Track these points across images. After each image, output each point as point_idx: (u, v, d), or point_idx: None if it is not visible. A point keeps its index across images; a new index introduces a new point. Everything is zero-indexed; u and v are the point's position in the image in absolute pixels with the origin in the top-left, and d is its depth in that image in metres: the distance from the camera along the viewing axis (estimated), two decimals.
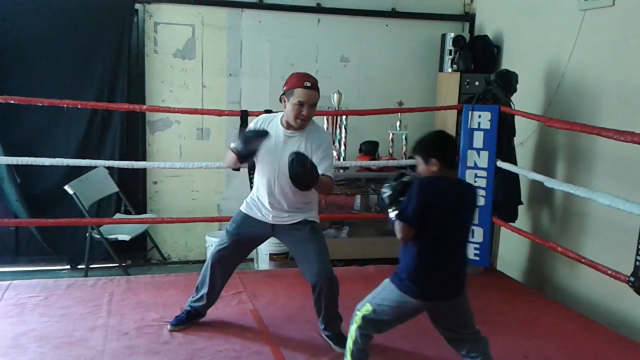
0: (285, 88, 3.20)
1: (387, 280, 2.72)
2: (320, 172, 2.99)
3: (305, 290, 3.82)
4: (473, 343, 2.80)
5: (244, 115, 4.48)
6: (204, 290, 3.43)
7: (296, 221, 3.32)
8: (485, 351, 2.81)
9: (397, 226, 2.61)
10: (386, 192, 2.73)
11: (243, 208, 3.44)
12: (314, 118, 3.30)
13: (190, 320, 3.50)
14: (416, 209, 2.54)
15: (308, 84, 3.14)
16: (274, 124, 3.27)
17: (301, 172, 2.84)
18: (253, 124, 3.37)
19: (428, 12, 5.92)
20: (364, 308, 2.71)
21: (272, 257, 5.17)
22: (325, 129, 3.32)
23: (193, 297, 3.51)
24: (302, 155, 2.91)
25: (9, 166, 4.92)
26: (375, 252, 5.34)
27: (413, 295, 2.63)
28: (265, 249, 5.18)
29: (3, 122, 4.96)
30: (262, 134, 3.14)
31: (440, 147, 2.67)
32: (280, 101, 3.24)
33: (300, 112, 3.14)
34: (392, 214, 2.64)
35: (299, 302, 3.97)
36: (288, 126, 3.22)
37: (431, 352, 3.36)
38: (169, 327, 3.47)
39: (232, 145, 3.14)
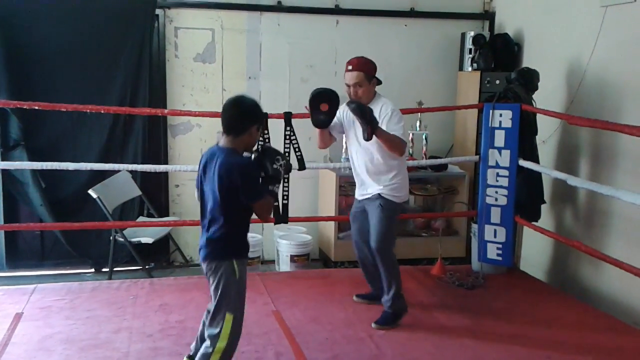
0: None
1: (222, 270, 2.72)
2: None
3: (326, 291, 3.85)
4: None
5: (263, 118, 4.49)
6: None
7: (371, 195, 3.63)
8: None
9: None
10: None
11: None
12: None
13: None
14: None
15: (349, 67, 3.52)
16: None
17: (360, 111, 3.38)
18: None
19: (447, 12, 5.88)
20: (226, 320, 2.70)
21: (293, 258, 5.19)
22: (385, 99, 3.63)
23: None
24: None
25: (33, 171, 5.00)
26: (395, 252, 5.30)
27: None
28: (285, 251, 5.20)
29: (27, 127, 5.03)
30: None
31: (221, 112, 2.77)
32: None
33: (349, 93, 3.53)
34: None
35: (321, 303, 3.98)
36: None
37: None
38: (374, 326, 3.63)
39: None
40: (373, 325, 3.61)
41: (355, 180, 3.76)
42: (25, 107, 4.24)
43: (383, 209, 3.58)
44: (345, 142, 3.70)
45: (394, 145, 3.46)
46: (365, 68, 3.53)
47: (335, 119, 3.66)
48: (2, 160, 4.95)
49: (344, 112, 3.66)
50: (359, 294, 4.02)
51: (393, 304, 3.66)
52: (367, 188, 3.65)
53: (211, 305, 2.75)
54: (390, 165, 3.58)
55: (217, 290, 2.71)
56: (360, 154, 3.63)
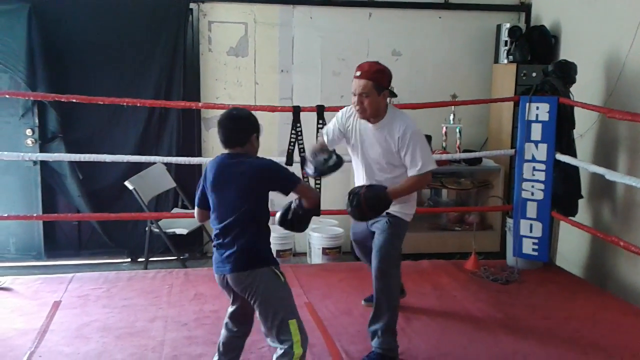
0: None
1: (266, 277, 2.58)
2: (409, 173, 3.08)
3: (358, 284, 3.84)
4: None
5: (296, 111, 4.51)
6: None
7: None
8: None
9: None
10: None
11: None
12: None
13: None
14: (199, 188, 2.74)
15: (358, 73, 3.08)
16: (357, 117, 3.20)
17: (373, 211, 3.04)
18: (339, 113, 3.33)
19: (482, 3, 5.81)
20: (292, 327, 2.57)
21: (325, 251, 5.19)
22: (405, 115, 3.17)
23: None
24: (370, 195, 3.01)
25: (71, 163, 5.10)
26: (428, 246, 5.30)
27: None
28: (317, 243, 5.21)
29: (65, 120, 5.15)
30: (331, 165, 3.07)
31: (217, 129, 2.69)
32: None
33: (354, 103, 3.10)
34: None
35: (353, 296, 3.97)
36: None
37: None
38: None
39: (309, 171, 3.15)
40: None
41: None
42: (63, 100, 4.32)
43: (390, 225, 3.19)
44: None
45: (415, 189, 3.16)
46: (376, 77, 3.05)
47: (332, 131, 3.28)
48: (41, 152, 5.07)
49: (346, 119, 3.27)
50: (367, 297, 3.74)
51: (383, 342, 3.15)
52: None
53: (264, 318, 2.58)
54: (394, 185, 3.15)
55: (267, 301, 2.56)
56: (364, 172, 3.27)
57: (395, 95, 3.25)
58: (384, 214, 3.15)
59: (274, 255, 2.72)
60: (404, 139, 3.06)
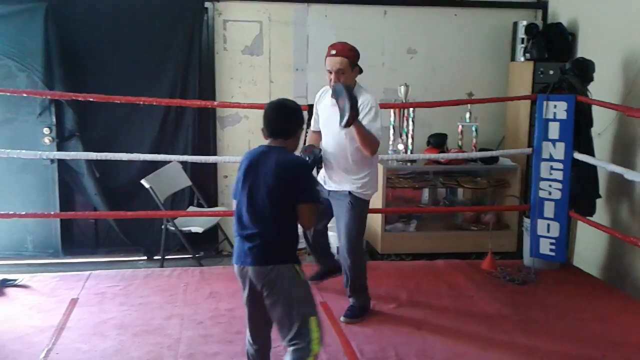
0: None
1: (289, 274, 2.56)
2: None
3: (373, 284, 3.83)
4: None
5: (311, 110, 4.49)
6: None
7: (340, 190, 3.51)
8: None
9: None
10: None
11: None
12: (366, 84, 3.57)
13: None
14: (236, 181, 2.68)
15: (333, 52, 3.36)
16: (327, 95, 3.53)
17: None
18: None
19: (499, 0, 5.76)
20: (312, 325, 2.54)
21: (339, 250, 5.17)
22: (366, 91, 3.44)
23: None
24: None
25: (88, 161, 5.14)
26: (443, 246, 5.27)
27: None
28: (331, 243, 5.18)
29: (82, 119, 5.18)
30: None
31: (264, 116, 2.69)
32: None
33: (330, 79, 3.36)
34: None
35: None
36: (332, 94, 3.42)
37: None
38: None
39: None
40: (342, 319, 3.58)
41: (324, 168, 3.58)
42: (80, 99, 4.35)
43: (353, 206, 3.48)
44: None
45: (368, 142, 3.31)
46: (350, 54, 3.38)
47: (315, 121, 3.68)
48: (58, 150, 5.11)
49: (320, 98, 3.62)
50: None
51: (360, 298, 3.67)
52: (336, 182, 3.53)
53: (285, 316, 2.54)
54: (362, 165, 3.46)
55: (290, 299, 2.53)
56: (335, 149, 3.48)
57: (362, 71, 3.48)
58: (346, 193, 3.48)
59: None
60: (364, 108, 3.33)
